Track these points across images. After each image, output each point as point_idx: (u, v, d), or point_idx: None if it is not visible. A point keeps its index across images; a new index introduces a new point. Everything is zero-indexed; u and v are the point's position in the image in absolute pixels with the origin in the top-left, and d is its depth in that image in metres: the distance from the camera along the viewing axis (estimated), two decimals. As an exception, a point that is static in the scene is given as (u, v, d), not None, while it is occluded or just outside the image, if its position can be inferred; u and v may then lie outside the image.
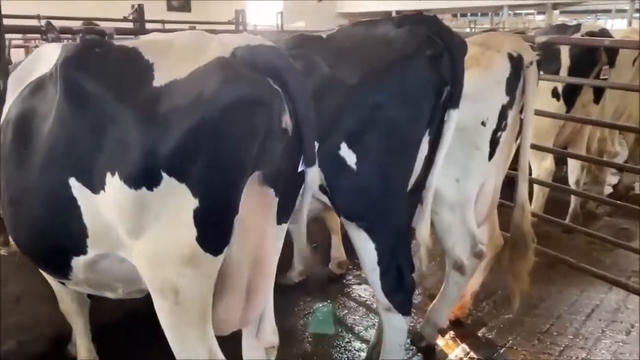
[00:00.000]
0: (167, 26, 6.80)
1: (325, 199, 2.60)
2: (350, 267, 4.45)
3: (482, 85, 2.82)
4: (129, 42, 1.96)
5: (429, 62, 2.36)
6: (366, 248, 2.58)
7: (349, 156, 2.45)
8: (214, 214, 1.83)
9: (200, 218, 1.80)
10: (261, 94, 1.76)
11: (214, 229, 1.85)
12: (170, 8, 13.79)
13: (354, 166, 2.45)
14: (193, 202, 1.78)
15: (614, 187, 6.45)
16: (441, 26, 2.44)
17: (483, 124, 2.90)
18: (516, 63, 2.87)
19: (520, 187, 3.06)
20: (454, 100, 2.46)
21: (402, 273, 2.62)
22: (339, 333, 3.62)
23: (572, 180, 5.30)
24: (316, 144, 1.99)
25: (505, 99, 2.90)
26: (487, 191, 3.19)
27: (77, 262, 2.11)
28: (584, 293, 4.14)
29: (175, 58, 1.85)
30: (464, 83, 2.56)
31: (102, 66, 1.89)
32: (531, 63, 2.90)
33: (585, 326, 3.70)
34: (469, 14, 20.19)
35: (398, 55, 2.35)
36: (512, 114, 2.99)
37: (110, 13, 6.91)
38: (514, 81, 2.90)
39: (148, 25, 4.50)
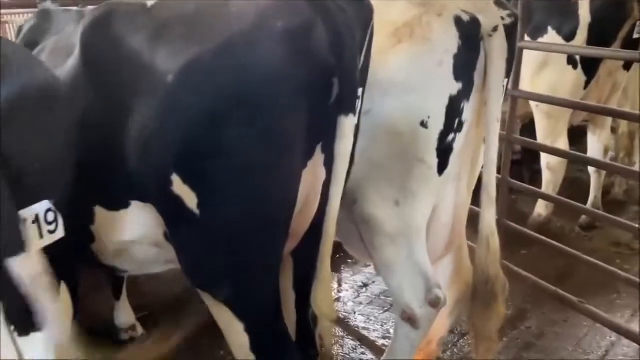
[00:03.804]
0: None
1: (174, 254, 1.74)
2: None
3: (416, 68, 1.87)
4: None
5: (286, 42, 1.41)
6: (232, 330, 1.71)
7: (188, 196, 1.56)
8: None
9: None
10: None
11: None
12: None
13: (196, 210, 1.57)
14: None
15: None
16: None
17: (423, 124, 1.96)
18: (469, 32, 1.87)
19: (484, 215, 2.10)
20: (343, 102, 1.53)
21: (291, 360, 1.75)
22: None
23: (591, 168, 4.28)
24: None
25: (455, 87, 1.93)
26: (444, 216, 2.26)
27: None
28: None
29: None
30: (393, 67, 1.84)
31: None
32: (495, 29, 1.90)
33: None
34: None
35: (232, 32, 1.41)
36: (470, 107, 2.02)
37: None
38: (468, 59, 1.91)
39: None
